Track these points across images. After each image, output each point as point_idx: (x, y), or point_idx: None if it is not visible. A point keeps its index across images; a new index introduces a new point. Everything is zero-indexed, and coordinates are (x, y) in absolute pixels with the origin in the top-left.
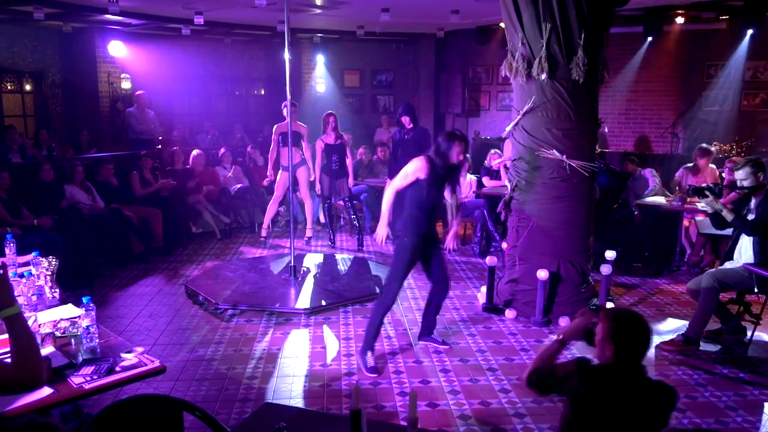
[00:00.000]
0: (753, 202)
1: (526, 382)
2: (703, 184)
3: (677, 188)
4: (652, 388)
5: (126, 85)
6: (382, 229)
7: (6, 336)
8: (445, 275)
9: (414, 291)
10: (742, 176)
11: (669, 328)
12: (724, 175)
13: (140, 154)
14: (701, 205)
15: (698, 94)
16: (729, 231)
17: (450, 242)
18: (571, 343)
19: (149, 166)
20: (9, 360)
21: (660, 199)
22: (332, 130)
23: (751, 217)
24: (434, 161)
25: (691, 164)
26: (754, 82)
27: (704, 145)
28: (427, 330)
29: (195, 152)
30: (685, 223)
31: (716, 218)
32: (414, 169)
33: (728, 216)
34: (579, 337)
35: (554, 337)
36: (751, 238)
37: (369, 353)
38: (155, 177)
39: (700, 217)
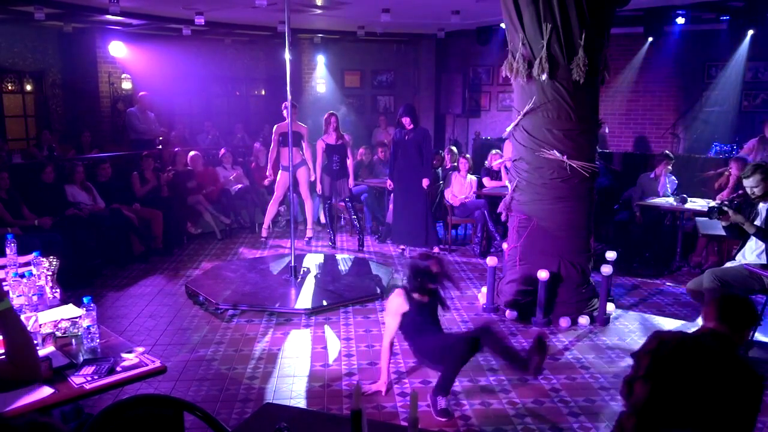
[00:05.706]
0: (763, 207)
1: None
2: (717, 202)
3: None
4: (742, 370)
5: (126, 85)
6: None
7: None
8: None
9: None
10: (752, 184)
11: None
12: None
13: (141, 154)
14: (724, 224)
15: (699, 95)
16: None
17: None
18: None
19: (151, 166)
20: (3, 357)
21: (661, 200)
22: (334, 131)
23: (758, 221)
24: (411, 287)
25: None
26: (754, 82)
27: (742, 155)
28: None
29: (192, 153)
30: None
31: (732, 230)
32: (396, 306)
33: (750, 228)
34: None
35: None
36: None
37: (440, 397)
38: (157, 177)
39: (700, 218)
